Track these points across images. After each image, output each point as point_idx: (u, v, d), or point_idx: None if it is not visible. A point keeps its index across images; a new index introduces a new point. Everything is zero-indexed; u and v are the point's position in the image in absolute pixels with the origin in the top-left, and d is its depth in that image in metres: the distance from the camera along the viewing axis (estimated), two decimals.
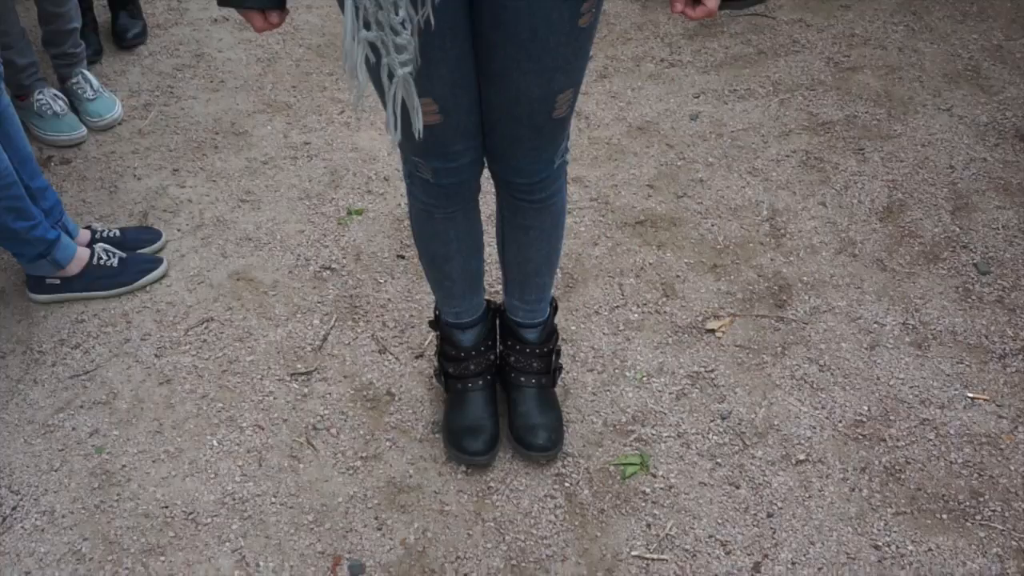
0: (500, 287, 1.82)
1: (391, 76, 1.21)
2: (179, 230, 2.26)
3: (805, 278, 2.09)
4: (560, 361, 1.82)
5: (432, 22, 1.20)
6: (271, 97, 2.73)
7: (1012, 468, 1.70)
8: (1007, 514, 1.63)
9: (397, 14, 1.15)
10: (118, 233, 2.19)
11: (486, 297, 1.80)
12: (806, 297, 2.05)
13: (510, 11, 1.30)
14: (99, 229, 2.20)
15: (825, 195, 2.32)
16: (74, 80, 2.57)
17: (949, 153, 2.46)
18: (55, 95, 2.49)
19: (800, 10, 3.05)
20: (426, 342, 1.96)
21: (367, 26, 1.18)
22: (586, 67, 1.44)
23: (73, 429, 1.82)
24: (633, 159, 2.45)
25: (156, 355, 1.95)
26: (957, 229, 2.22)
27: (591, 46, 1.41)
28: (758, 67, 2.80)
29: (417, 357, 1.94)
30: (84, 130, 2.54)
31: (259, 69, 2.84)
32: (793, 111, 2.61)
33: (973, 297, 2.05)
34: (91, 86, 2.57)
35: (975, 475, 1.69)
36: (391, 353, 1.95)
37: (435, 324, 1.81)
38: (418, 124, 1.27)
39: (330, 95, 2.71)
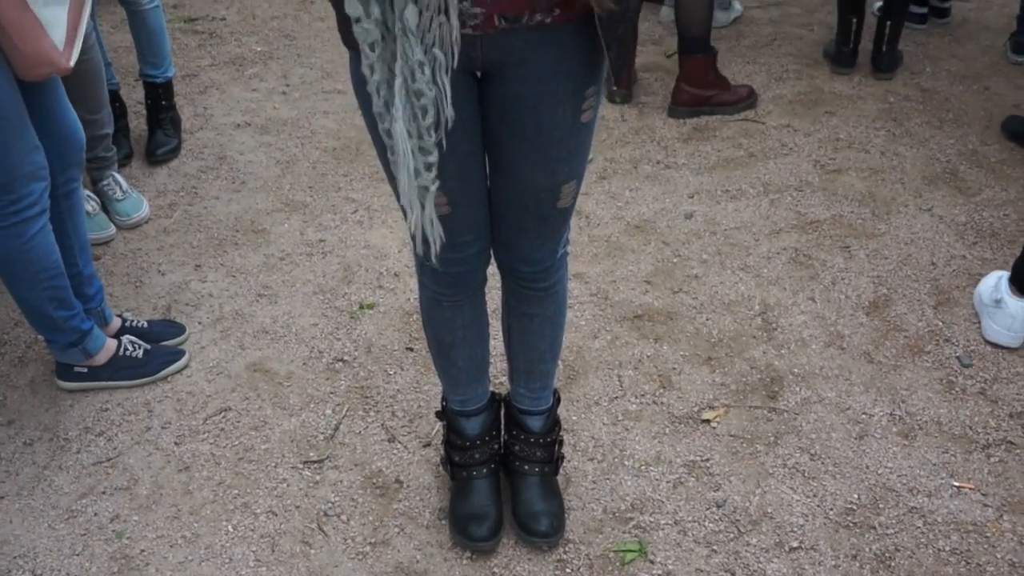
0: (505, 379, 1.88)
1: (424, 189, 1.27)
2: (200, 323, 2.34)
3: (796, 370, 2.14)
4: (562, 450, 1.85)
5: (444, 144, 1.26)
6: (289, 197, 2.83)
7: (999, 556, 1.73)
8: None
9: (430, 137, 1.22)
10: (146, 324, 2.28)
11: (492, 389, 1.84)
12: (797, 389, 2.10)
13: (517, 109, 1.39)
14: (129, 319, 2.28)
15: (814, 290, 2.39)
16: (105, 182, 2.70)
17: (931, 251, 2.53)
18: (87, 196, 2.60)
19: (788, 116, 3.18)
20: (433, 431, 2.00)
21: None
22: (587, 160, 1.52)
23: (95, 515, 1.86)
24: (631, 256, 2.53)
25: (176, 443, 2.01)
26: (940, 323, 2.28)
27: (592, 139, 1.49)
28: (749, 169, 2.89)
29: (425, 446, 1.98)
30: (113, 229, 2.65)
31: (278, 171, 2.96)
32: (783, 210, 2.70)
33: (956, 389, 2.09)
34: (120, 188, 2.70)
35: (963, 563, 1.72)
36: (400, 442, 1.99)
37: (442, 415, 1.84)
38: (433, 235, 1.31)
39: (344, 195, 2.82)
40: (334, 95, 3.37)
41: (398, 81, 1.19)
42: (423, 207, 1.29)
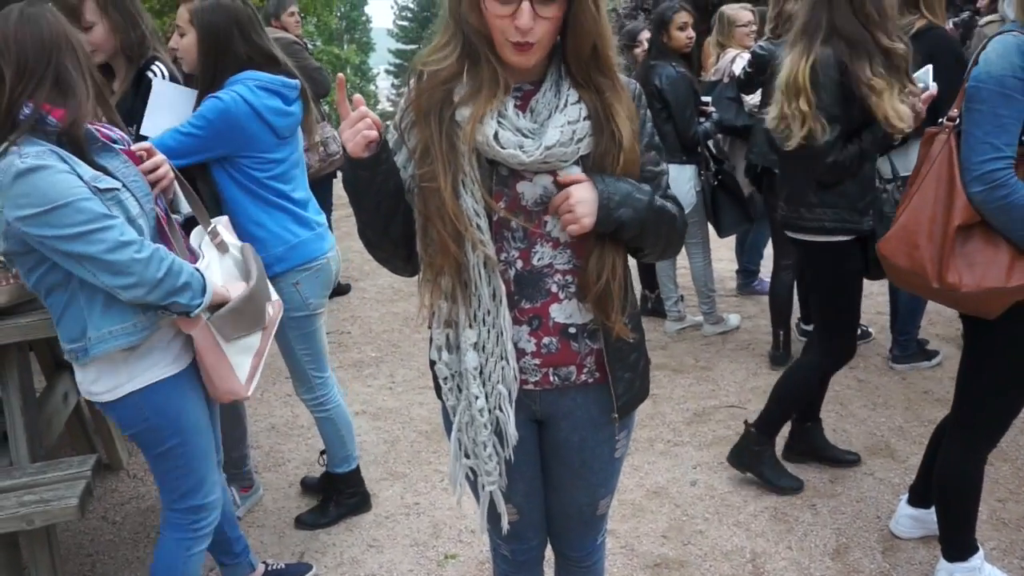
0: None
1: (482, 488, 1.38)
2: (325, 566, 2.40)
3: None
4: None
5: (512, 457, 1.34)
6: (393, 468, 2.95)
7: None
8: None
9: (486, 450, 1.33)
10: (283, 566, 2.36)
11: None
12: None
13: (566, 449, 1.46)
14: (271, 564, 2.38)
15: (791, 541, 2.43)
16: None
17: (876, 507, 2.57)
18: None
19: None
20: None
21: (467, 455, 1.34)
22: (618, 478, 1.57)
23: None
24: (650, 516, 2.58)
25: None
26: (887, 565, 2.30)
27: (622, 467, 1.54)
28: None
29: None
30: (261, 491, 2.85)
31: (385, 448, 3.09)
32: None
33: None
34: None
35: None
36: None
37: None
38: (504, 523, 1.42)
39: (434, 468, 2.92)
40: (428, 390, 3.51)
41: (461, 406, 1.32)
42: (485, 502, 1.37)
